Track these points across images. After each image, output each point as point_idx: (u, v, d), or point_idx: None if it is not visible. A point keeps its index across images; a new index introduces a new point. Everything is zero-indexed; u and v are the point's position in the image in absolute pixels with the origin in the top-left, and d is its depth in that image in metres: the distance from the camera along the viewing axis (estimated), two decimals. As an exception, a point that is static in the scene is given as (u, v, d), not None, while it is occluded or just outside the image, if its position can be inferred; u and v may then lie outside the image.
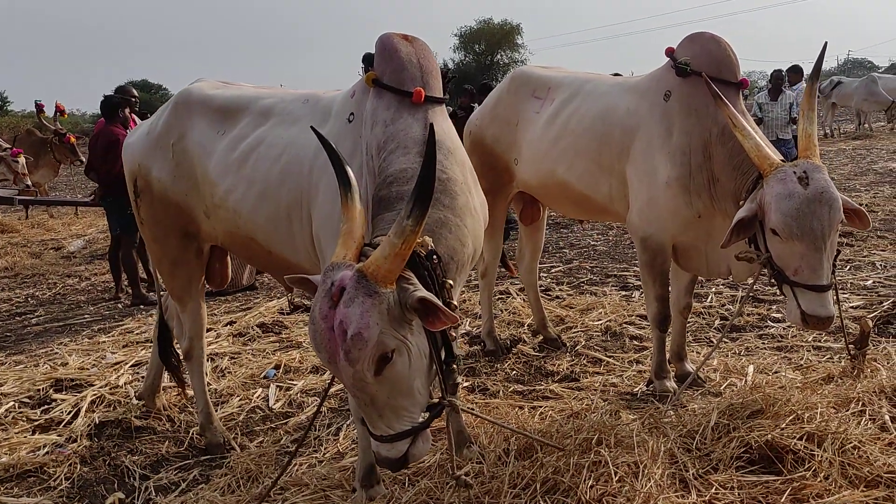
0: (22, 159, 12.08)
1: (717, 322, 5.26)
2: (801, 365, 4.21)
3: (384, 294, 2.05)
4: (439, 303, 2.10)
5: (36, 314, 7.00)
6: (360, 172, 2.69)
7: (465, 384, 4.31)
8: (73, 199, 12.36)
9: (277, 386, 4.53)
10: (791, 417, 2.82)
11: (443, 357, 2.31)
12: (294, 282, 2.39)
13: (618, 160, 3.87)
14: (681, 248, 3.83)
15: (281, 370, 4.78)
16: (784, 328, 4.92)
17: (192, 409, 4.22)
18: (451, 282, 2.33)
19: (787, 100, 10.09)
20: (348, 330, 2.01)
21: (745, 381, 3.96)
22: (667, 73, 3.75)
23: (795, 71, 11.46)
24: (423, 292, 2.11)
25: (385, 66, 2.75)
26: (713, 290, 5.93)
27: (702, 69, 3.50)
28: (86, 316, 6.79)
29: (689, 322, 5.14)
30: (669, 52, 3.78)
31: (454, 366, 2.34)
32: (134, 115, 7.79)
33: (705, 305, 5.59)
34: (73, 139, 12.82)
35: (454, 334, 2.39)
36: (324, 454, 3.61)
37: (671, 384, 3.97)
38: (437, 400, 2.33)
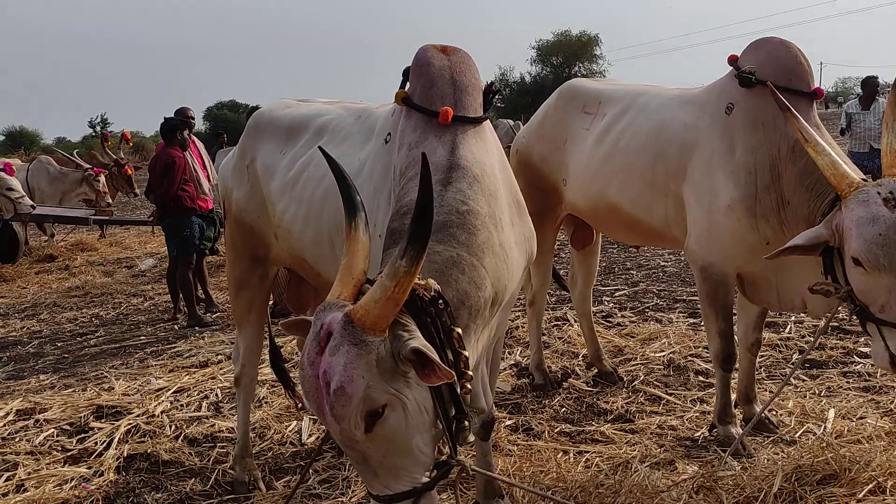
0: (102, 178, 12.49)
1: (795, 356, 4.76)
2: (892, 409, 3.71)
3: (372, 343, 1.79)
4: (434, 356, 1.81)
5: (96, 335, 7.07)
6: (388, 198, 2.49)
7: (508, 422, 3.99)
8: (141, 219, 12.64)
9: (312, 419, 4.32)
10: (871, 486, 2.38)
11: (451, 412, 2.00)
12: (290, 326, 2.16)
13: (674, 180, 3.50)
14: (748, 278, 3.42)
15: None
16: (873, 365, 4.38)
17: (221, 444, 4.06)
18: (459, 330, 2.02)
19: (882, 108, 9.37)
20: (331, 382, 1.78)
21: (825, 427, 3.50)
22: (729, 83, 3.37)
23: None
24: (417, 342, 1.83)
25: (416, 83, 2.53)
26: (792, 318, 5.40)
27: (768, 78, 3.11)
28: (142, 337, 6.80)
29: (762, 356, 4.69)
30: (732, 60, 3.40)
31: (465, 422, 2.03)
32: (193, 137, 7.84)
33: (782, 337, 5.08)
34: (130, 171, 13.18)
35: (468, 387, 2.09)
36: (350, 498, 3.37)
37: (737, 430, 3.54)
38: (445, 458, 2.04)
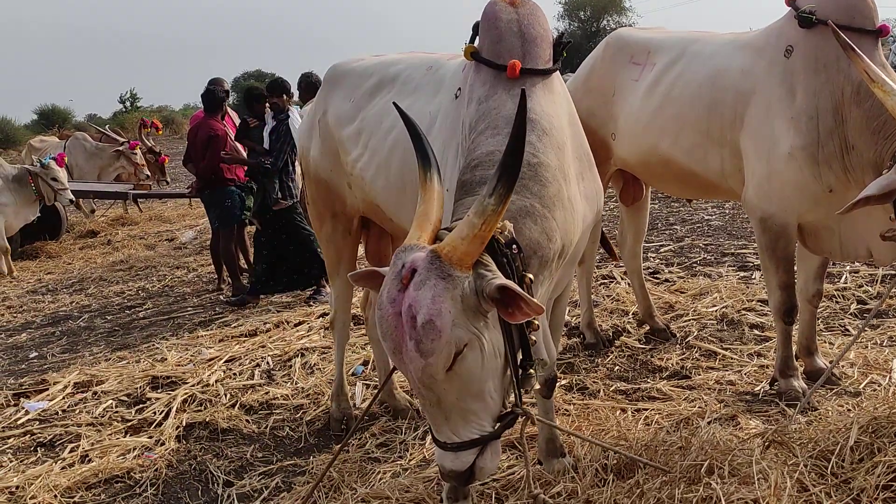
0: (139, 150, 12.61)
1: (853, 306, 4.64)
2: (959, 358, 3.61)
3: (459, 278, 1.82)
4: (522, 291, 1.83)
5: (144, 307, 7.17)
6: (457, 153, 2.50)
7: (563, 382, 3.96)
8: (179, 191, 12.74)
9: (364, 384, 4.34)
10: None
11: (519, 359, 2.03)
12: (358, 279, 2.19)
13: (731, 129, 3.39)
14: (809, 228, 3.32)
15: (369, 366, 4.59)
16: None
17: (277, 411, 4.11)
18: (531, 276, 2.03)
19: None
20: (417, 316, 1.79)
21: (890, 378, 3.41)
22: (788, 24, 3.23)
23: None
24: (503, 279, 1.86)
25: (485, 38, 2.52)
26: (847, 268, 5.27)
27: (829, 17, 2.96)
28: (188, 308, 6.88)
29: (820, 308, 4.58)
30: (791, 1, 3.25)
31: (531, 370, 2.06)
32: (227, 108, 7.82)
33: (839, 287, 4.95)
34: (165, 160, 13.34)
35: (533, 339, 2.08)
36: (409, 461, 3.38)
37: (799, 383, 3.47)
38: (510, 408, 2.05)
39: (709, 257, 6.35)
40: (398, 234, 3.38)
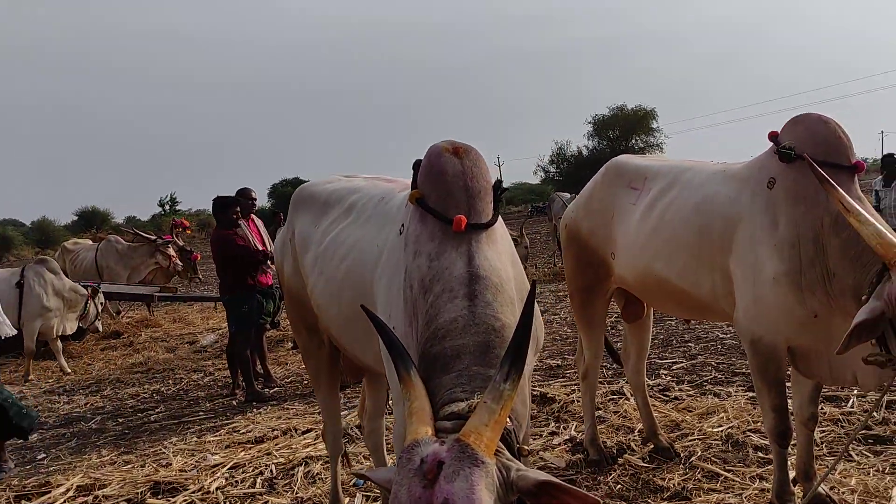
0: (172, 247, 13.05)
1: (860, 433, 4.59)
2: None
3: (490, 465, 1.74)
4: (569, 486, 1.77)
5: (157, 410, 7.25)
6: (398, 295, 2.46)
7: None
8: (205, 294, 13.03)
9: (365, 496, 4.33)
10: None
11: None
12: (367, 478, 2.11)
13: (720, 254, 3.51)
14: (798, 351, 3.37)
15: (371, 478, 4.57)
16: (941, 441, 4.20)
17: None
18: (527, 448, 2.01)
19: None
20: None
21: (890, 508, 3.36)
22: (770, 158, 3.40)
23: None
24: (539, 474, 1.81)
25: (430, 189, 2.46)
26: (854, 392, 5.23)
27: (807, 153, 3.13)
28: (200, 413, 6.95)
29: (824, 432, 4.55)
30: (773, 136, 3.43)
31: None
32: (253, 216, 8.13)
33: (844, 411, 4.90)
34: (198, 257, 13.85)
35: None
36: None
37: (797, 509, 3.42)
38: None
39: (719, 376, 6.32)
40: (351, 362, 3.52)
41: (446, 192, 2.42)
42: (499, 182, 2.55)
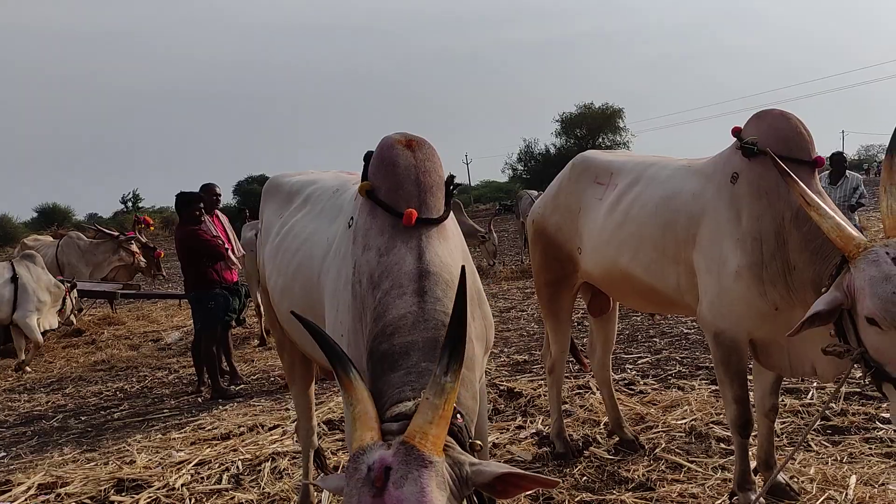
0: (135, 244, 12.86)
1: (818, 423, 4.70)
2: (917, 476, 3.65)
3: (438, 464, 1.70)
4: (532, 475, 1.77)
5: (120, 408, 7.14)
6: (346, 289, 2.39)
7: (529, 493, 3.96)
8: (168, 291, 12.86)
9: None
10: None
11: None
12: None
13: (684, 248, 3.57)
14: (759, 344, 3.44)
15: (339, 471, 4.56)
16: (895, 430, 4.32)
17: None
18: (479, 442, 1.96)
19: (851, 183, 9.38)
20: None
21: (846, 494, 3.45)
22: (733, 153, 3.46)
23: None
24: (497, 466, 1.79)
25: (381, 181, 2.38)
26: (814, 384, 5.35)
27: (769, 148, 3.20)
28: (165, 410, 6.86)
29: (784, 422, 4.65)
30: (736, 132, 3.49)
31: None
32: (218, 212, 8.05)
33: (804, 403, 5.03)
34: (161, 254, 13.61)
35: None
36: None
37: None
38: None
39: (684, 370, 6.43)
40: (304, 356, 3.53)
41: (397, 184, 2.34)
42: (451, 177, 2.48)
